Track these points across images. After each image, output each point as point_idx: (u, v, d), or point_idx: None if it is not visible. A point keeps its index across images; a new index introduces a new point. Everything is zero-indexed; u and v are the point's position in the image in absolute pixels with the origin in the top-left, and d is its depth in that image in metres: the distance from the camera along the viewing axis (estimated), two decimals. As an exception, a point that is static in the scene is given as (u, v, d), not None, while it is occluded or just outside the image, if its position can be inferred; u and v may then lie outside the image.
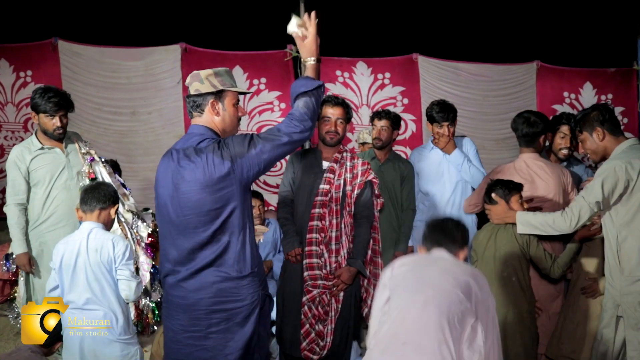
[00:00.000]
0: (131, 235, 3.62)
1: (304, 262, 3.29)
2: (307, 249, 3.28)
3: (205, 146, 2.43)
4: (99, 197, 2.89)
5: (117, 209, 3.00)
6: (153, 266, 3.64)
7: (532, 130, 3.50)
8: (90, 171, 3.57)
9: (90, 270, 2.79)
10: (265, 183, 5.97)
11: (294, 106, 2.46)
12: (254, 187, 5.78)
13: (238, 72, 5.68)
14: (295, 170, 3.44)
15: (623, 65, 6.32)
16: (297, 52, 5.55)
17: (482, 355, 2.04)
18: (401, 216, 4.08)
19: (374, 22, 6.34)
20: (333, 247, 3.29)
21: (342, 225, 3.31)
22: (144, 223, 3.79)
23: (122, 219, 3.62)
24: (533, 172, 3.50)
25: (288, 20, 2.44)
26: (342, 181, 3.34)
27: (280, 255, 4.38)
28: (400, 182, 4.09)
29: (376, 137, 4.11)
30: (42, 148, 3.62)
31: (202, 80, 2.51)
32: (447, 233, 2.34)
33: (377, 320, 2.20)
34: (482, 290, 2.13)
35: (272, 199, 5.60)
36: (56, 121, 3.57)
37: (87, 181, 3.56)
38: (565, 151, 3.86)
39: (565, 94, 6.21)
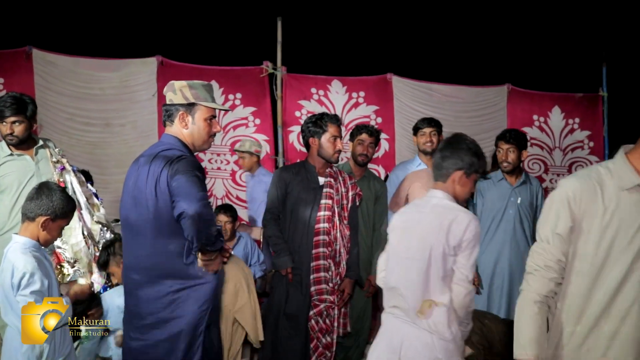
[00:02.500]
0: (92, 251, 3.53)
1: (311, 276, 3.33)
2: (313, 263, 3.34)
3: (166, 156, 2.46)
4: (30, 207, 2.54)
5: (52, 220, 2.54)
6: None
7: None
8: (61, 180, 3.50)
9: (2, 289, 2.49)
10: (237, 198, 5.95)
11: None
12: (226, 200, 5.76)
13: (214, 86, 5.68)
14: (288, 187, 3.45)
15: (589, 91, 6.53)
16: (274, 68, 5.59)
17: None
18: (373, 237, 3.99)
19: (349, 42, 6.43)
20: (337, 259, 3.37)
21: (342, 237, 3.43)
22: (113, 235, 3.75)
23: (86, 233, 3.53)
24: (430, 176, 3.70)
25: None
26: (340, 195, 3.44)
27: (251, 268, 4.37)
28: (374, 202, 4.08)
29: (362, 153, 4.04)
30: (11, 154, 3.55)
31: (175, 91, 2.57)
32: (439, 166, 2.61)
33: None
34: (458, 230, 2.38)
35: (243, 214, 5.58)
36: (7, 128, 3.49)
37: (57, 190, 3.50)
38: (506, 164, 3.97)
39: (535, 116, 6.37)
